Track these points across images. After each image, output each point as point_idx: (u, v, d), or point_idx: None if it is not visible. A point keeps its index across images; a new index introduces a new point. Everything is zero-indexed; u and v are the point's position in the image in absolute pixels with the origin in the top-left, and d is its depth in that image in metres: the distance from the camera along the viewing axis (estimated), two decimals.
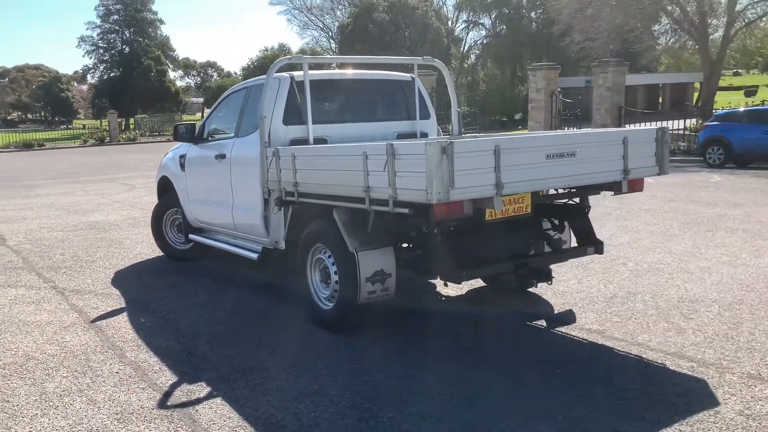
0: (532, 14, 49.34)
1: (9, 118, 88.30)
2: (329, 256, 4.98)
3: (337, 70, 6.70)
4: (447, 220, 4.26)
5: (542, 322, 5.26)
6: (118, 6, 64.02)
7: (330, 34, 55.16)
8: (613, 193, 4.89)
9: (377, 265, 4.67)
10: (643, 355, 4.45)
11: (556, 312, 5.46)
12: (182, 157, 7.45)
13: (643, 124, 20.27)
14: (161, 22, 68.09)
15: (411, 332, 5.19)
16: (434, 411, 3.73)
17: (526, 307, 5.62)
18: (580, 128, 25.56)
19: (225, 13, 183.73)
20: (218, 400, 3.96)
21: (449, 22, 47.67)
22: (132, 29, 64.88)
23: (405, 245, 5.21)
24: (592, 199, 5.22)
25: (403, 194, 4.07)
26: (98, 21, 64.85)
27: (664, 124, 21.64)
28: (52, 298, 6.42)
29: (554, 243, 5.32)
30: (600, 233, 8.46)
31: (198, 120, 36.60)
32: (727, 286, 5.97)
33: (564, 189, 4.55)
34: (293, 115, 5.78)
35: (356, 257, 4.63)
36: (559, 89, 27.21)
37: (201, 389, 4.14)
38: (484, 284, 6.16)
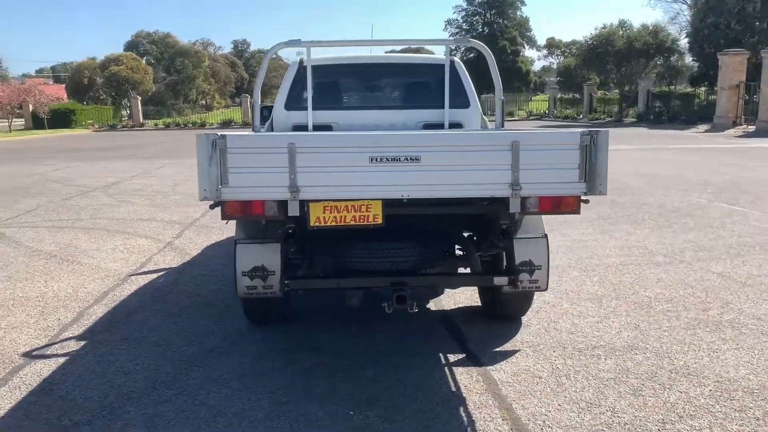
0: None
1: None
2: None
3: (366, 53, 6.25)
4: (245, 219, 3.90)
5: (457, 357, 4.35)
6: None
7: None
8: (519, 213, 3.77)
9: (257, 261, 4.44)
10: (469, 415, 3.44)
11: (496, 349, 4.45)
12: None
13: None
14: (522, 3, 69.32)
15: (299, 336, 4.76)
16: (174, 418, 3.55)
17: (480, 338, 4.65)
18: None
19: None
20: (38, 363, 4.33)
21: None
22: (493, 11, 67.46)
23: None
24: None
25: None
26: (464, 4, 69.09)
27: None
28: (145, 251, 7.52)
29: (456, 262, 4.32)
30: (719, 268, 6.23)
31: None
32: (741, 361, 4.08)
33: (405, 199, 3.65)
34: (298, 100, 5.71)
35: (234, 249, 4.50)
36: None
37: (44, 351, 4.56)
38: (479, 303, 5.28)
